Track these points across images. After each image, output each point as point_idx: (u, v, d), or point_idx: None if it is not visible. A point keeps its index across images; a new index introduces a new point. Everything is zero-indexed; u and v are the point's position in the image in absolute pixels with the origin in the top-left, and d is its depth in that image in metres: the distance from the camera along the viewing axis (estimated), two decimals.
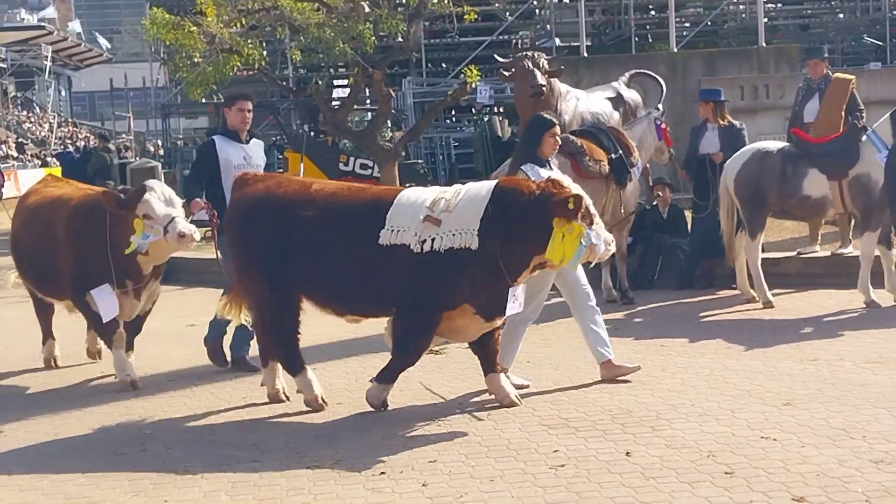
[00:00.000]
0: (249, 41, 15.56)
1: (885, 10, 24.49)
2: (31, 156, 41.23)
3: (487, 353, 5.92)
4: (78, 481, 5.11)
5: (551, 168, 6.33)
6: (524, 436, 5.36)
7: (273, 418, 6.01)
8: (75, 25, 65.47)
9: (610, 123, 10.87)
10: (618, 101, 12.06)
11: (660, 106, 12.75)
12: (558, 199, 5.48)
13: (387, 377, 5.94)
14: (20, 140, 43.72)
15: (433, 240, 5.61)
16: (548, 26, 23.63)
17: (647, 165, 10.32)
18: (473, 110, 23.76)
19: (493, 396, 5.98)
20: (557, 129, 6.43)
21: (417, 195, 5.87)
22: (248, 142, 7.39)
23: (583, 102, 11.75)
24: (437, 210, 5.68)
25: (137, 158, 24.31)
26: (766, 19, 21.72)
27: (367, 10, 15.74)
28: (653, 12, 26.15)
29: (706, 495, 4.39)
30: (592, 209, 5.63)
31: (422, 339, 5.83)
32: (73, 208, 7.16)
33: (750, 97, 17.03)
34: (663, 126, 9.90)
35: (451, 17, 16.53)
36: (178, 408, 6.42)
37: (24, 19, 60.61)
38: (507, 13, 23.45)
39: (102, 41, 66.29)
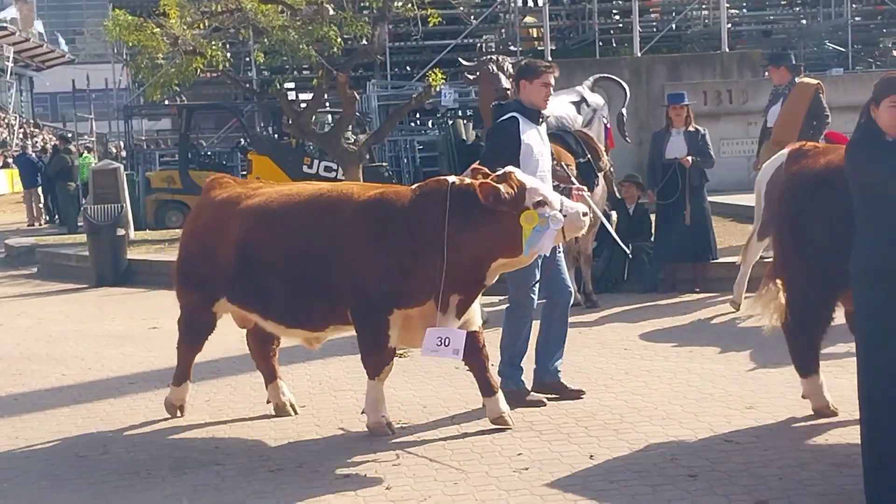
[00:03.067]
0: (213, 43, 15.47)
1: (846, 17, 24.80)
2: None
3: None
4: (39, 484, 5.06)
5: None
6: (488, 439, 5.35)
7: (235, 421, 5.96)
8: (38, 26, 64.78)
9: (575, 127, 10.92)
10: (581, 105, 12.11)
11: (623, 110, 12.85)
12: None
13: None
14: None
15: None
16: (514, 29, 23.71)
17: (612, 168, 10.35)
18: (438, 114, 23.77)
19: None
20: None
21: None
22: (541, 123, 6.10)
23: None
24: None
25: (96, 160, 24.04)
26: (729, 25, 21.93)
27: (331, 12, 15.70)
28: (617, 17, 26.32)
29: (669, 498, 4.41)
30: None
31: None
32: (378, 204, 5.40)
33: (713, 102, 17.20)
34: (609, 126, 9.90)
35: (415, 20, 16.52)
36: (139, 410, 6.36)
37: None
38: (472, 17, 23.50)
39: (62, 44, 65.62)
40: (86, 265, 12.73)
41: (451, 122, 21.43)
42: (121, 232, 12.63)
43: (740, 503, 4.32)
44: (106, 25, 16.77)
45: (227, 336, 8.55)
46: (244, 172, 20.19)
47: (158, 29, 14.94)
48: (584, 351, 7.29)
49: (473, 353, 5.45)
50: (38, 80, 62.55)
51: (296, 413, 6.01)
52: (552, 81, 5.99)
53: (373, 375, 5.48)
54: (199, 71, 16.12)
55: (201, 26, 15.66)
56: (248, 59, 21.06)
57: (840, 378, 6.09)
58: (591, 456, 4.98)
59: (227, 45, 17.37)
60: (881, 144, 4.07)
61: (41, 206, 22.69)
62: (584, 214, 5.22)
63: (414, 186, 5.61)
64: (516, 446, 5.19)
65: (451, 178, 5.37)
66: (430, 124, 24.97)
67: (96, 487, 4.96)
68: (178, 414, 6.09)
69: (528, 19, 25.14)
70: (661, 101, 10.73)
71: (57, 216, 20.89)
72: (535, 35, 22.75)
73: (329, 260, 5.42)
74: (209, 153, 23.39)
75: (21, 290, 12.25)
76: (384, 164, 20.59)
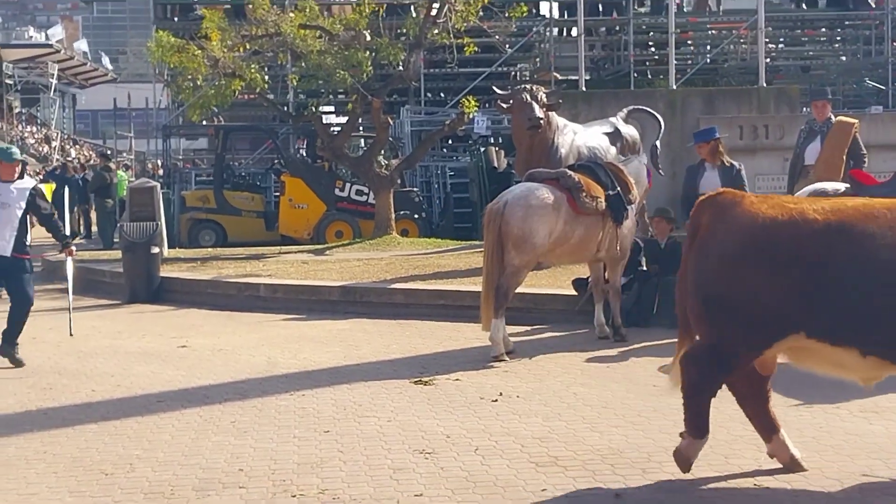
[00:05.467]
0: (252, 66, 15.66)
1: (887, 55, 24.65)
2: (34, 172, 41.26)
3: None
4: (65, 500, 5.09)
5: None
6: (512, 473, 5.32)
7: (260, 444, 5.97)
8: (82, 45, 65.78)
9: (607, 158, 10.91)
10: (615, 136, 12.12)
11: (657, 142, 12.83)
12: None
13: None
14: (23, 156, 43.70)
15: None
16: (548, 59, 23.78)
17: (644, 202, 10.33)
18: (470, 140, 23.86)
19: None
20: None
21: None
22: None
23: (580, 137, 11.80)
24: None
25: (134, 178, 24.29)
26: (767, 59, 21.84)
27: (368, 38, 15.85)
28: (652, 49, 26.31)
29: None
30: None
31: None
32: None
33: (749, 137, 17.06)
34: (650, 170, 9.94)
35: (450, 47, 16.62)
36: (166, 429, 6.39)
37: (32, 37, 60.88)
38: (507, 45, 23.60)
39: (106, 62, 66.62)
40: (119, 281, 12.85)
41: (482, 150, 21.51)
42: (155, 249, 12.77)
43: None
44: (149, 46, 17.04)
45: (254, 357, 8.64)
46: (277, 194, 20.36)
47: (200, 51, 15.16)
48: (611, 386, 7.24)
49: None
50: (81, 98, 63.57)
51: (804, 469, 5.20)
52: None
53: None
54: (237, 93, 16.32)
55: (241, 49, 15.87)
56: (284, 82, 21.24)
57: (874, 424, 6.00)
58: (617, 494, 4.93)
59: (266, 69, 17.57)
60: None
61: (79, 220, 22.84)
62: None
63: None
64: (541, 482, 5.15)
65: None
66: (462, 151, 25.04)
67: None
68: (688, 471, 5.17)
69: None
70: (693, 136, 10.67)
71: (96, 231, 21.04)
72: (555, 73, 22.75)
73: None
74: (244, 174, 23.61)
75: (55, 304, 12.35)
76: (415, 189, 20.66)
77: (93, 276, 13.98)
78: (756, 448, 5.61)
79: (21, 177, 8.90)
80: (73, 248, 9.33)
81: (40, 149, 47.16)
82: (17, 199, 8.64)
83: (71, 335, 9.40)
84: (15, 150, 9.15)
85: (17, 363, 8.48)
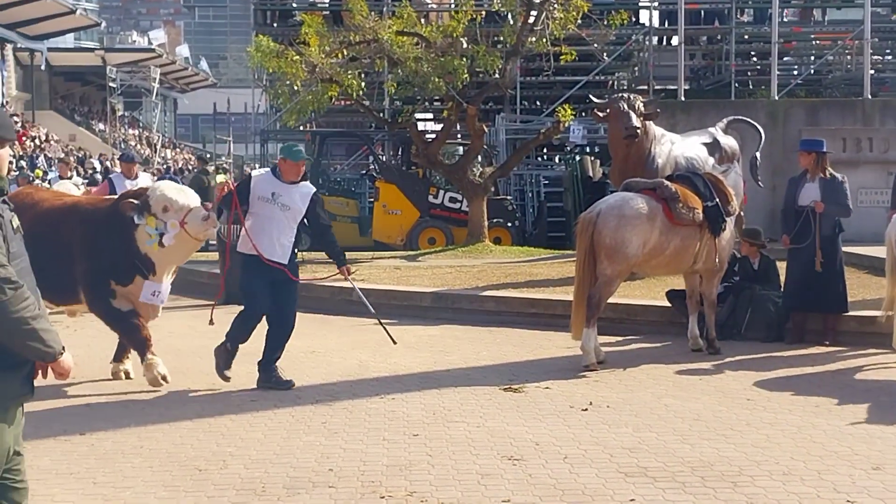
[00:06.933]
0: (349, 72, 15.85)
1: None
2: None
3: None
4: (159, 494, 5.22)
5: None
6: (601, 482, 5.27)
7: (350, 445, 6.04)
8: (183, 50, 67.71)
9: (705, 169, 10.74)
10: (714, 146, 11.92)
11: (757, 154, 12.57)
12: None
13: None
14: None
15: None
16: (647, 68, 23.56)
17: (742, 213, 10.13)
18: (566, 149, 23.74)
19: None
20: None
21: None
22: None
23: (677, 147, 11.64)
24: None
25: (232, 181, 24.77)
26: (872, 71, 21.22)
27: (464, 45, 15.90)
28: (754, 59, 25.82)
29: None
30: None
31: None
32: None
33: (852, 149, 16.64)
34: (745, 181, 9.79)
35: (547, 55, 16.57)
36: (258, 427, 6.51)
37: (135, 41, 62.94)
38: (605, 54, 23.43)
39: (205, 66, 68.43)
40: (216, 282, 13.10)
41: (578, 159, 21.39)
42: None
43: None
44: (249, 51, 17.41)
45: (346, 360, 8.74)
46: (371, 200, 20.60)
47: (298, 57, 15.41)
48: (703, 398, 7.13)
49: None
50: (182, 102, 65.41)
51: None
52: None
53: None
54: (333, 98, 16.54)
55: (339, 55, 16.09)
56: (381, 88, 21.48)
57: None
58: None
59: (363, 75, 17.79)
60: None
61: None
62: None
63: None
64: (629, 492, 5.10)
65: None
66: (556, 160, 24.94)
67: (214, 501, 5.09)
68: None
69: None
70: (797, 146, 10.42)
71: None
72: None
73: None
74: (339, 179, 23.91)
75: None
76: (509, 197, 20.65)
77: (190, 276, 14.30)
78: (850, 465, 5.46)
79: (305, 178, 7.85)
80: (350, 266, 8.03)
81: (142, 151, 48.65)
82: (300, 203, 7.57)
83: (394, 343, 8.35)
84: (300, 148, 7.84)
85: (287, 384, 7.65)
